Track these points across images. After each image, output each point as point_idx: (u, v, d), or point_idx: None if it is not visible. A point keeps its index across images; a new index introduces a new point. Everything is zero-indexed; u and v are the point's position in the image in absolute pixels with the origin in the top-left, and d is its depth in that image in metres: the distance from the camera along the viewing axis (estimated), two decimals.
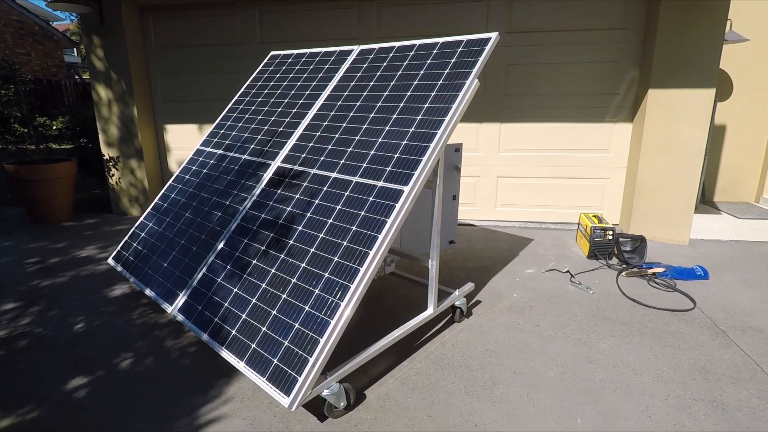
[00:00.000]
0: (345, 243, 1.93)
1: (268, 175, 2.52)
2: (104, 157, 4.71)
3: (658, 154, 3.70)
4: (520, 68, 4.02)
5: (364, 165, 2.16)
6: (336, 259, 1.90)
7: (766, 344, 2.33)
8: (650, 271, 3.12)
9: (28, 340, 2.37)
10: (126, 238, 2.96)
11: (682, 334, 2.43)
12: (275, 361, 1.75)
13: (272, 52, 3.40)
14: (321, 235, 2.02)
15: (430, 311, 2.31)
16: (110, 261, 2.91)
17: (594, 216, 3.62)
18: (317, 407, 1.88)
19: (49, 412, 1.85)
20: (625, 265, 3.32)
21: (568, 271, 3.22)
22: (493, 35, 2.20)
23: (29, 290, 2.95)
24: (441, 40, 2.42)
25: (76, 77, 13.11)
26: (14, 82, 4.28)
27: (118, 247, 2.94)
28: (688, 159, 3.64)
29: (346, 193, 2.10)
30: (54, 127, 4.48)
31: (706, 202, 5.11)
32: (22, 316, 2.62)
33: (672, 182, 3.71)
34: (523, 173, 4.24)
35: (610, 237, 3.40)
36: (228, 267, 2.23)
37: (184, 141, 4.86)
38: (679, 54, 3.48)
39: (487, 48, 2.18)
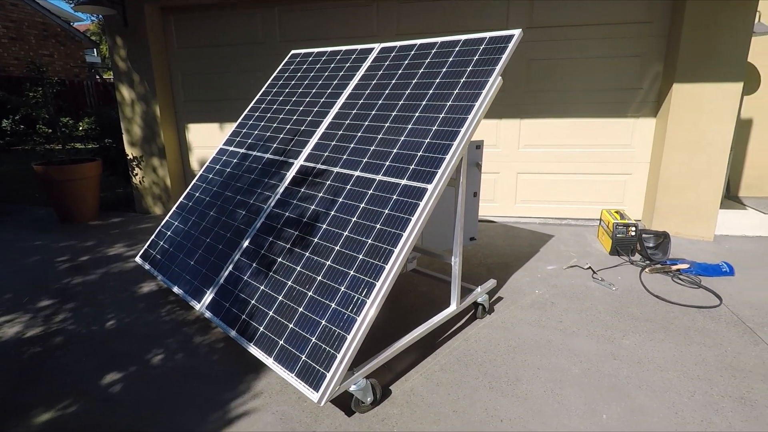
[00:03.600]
0: (369, 241, 1.95)
1: (291, 174, 2.56)
2: (128, 157, 4.82)
3: (683, 149, 3.63)
4: (541, 63, 3.99)
5: (387, 163, 2.18)
6: (361, 257, 1.93)
7: None
8: (674, 267, 3.08)
9: (63, 337, 2.46)
10: (152, 236, 3.04)
11: (709, 331, 2.40)
12: (303, 357, 1.80)
13: (293, 51, 3.44)
14: (345, 233, 2.05)
15: (453, 308, 2.33)
16: (138, 259, 3.00)
17: (616, 212, 3.58)
18: (344, 402, 1.91)
19: (88, 407, 1.93)
20: (648, 262, 3.28)
21: (590, 268, 3.20)
22: (517, 32, 2.20)
23: (62, 288, 3.06)
24: (463, 37, 2.42)
25: (97, 77, 13.39)
26: (42, 85, 4.41)
27: (145, 246, 3.03)
28: (714, 154, 3.57)
29: (370, 192, 2.13)
30: (80, 128, 4.60)
31: (730, 197, 5.00)
32: (57, 313, 2.71)
33: (697, 177, 3.65)
34: (543, 169, 4.21)
35: (633, 233, 3.36)
36: (254, 265, 2.28)
37: (206, 140, 4.94)
38: (705, 47, 3.41)
39: (511, 45, 2.18)
